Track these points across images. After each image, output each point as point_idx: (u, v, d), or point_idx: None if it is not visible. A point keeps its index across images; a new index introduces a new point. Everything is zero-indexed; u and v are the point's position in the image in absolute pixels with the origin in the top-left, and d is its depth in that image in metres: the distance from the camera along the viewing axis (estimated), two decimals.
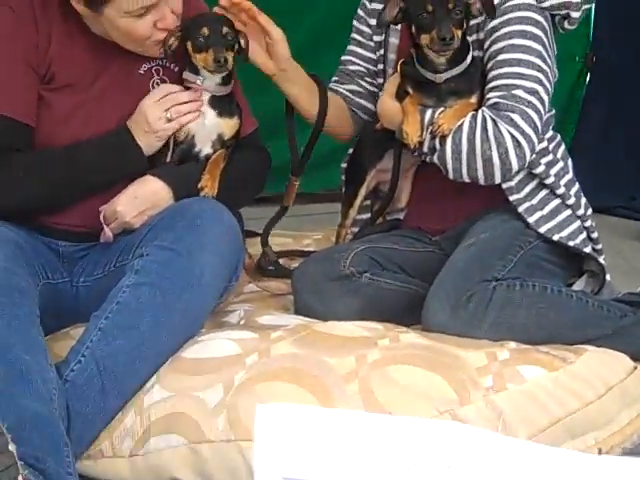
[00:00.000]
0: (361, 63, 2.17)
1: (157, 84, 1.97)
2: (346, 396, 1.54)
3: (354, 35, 2.18)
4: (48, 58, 1.86)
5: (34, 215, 1.91)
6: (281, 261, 2.36)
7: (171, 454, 1.55)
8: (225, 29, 1.89)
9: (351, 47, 2.19)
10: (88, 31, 1.90)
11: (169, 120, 1.90)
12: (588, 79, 4.18)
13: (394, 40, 2.09)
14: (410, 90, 1.96)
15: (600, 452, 1.61)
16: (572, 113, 4.12)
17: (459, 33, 1.85)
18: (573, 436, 1.60)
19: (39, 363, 1.56)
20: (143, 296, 1.70)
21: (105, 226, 1.90)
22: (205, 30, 1.87)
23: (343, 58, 2.20)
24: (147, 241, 1.79)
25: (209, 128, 1.97)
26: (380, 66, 2.13)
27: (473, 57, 1.94)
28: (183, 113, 1.92)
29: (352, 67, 2.17)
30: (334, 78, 2.20)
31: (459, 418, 1.52)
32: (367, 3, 2.15)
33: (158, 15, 1.83)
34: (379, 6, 2.08)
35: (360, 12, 2.17)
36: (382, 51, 2.12)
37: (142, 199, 1.89)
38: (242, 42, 1.93)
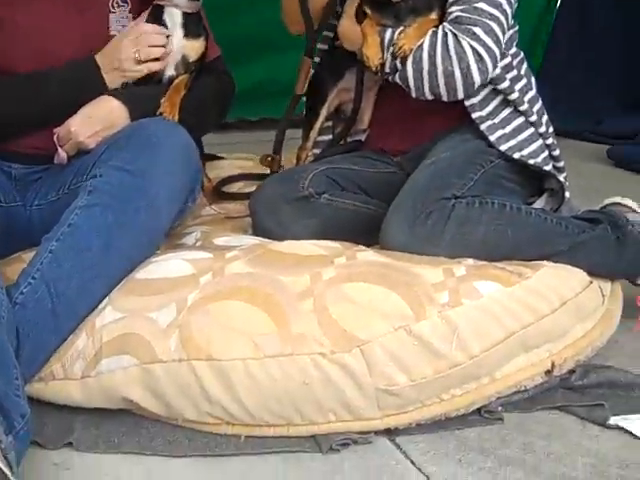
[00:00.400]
0: None
1: (117, 4, 1.91)
2: (300, 314, 1.53)
3: None
4: None
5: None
6: (241, 184, 2.34)
7: (123, 375, 1.53)
8: None
9: None
10: None
11: (139, 62, 1.86)
12: (559, 4, 4.12)
13: None
14: (368, 11, 1.91)
15: (553, 365, 1.61)
16: (541, 38, 4.07)
17: None
18: (527, 349, 1.60)
19: None
20: (95, 217, 1.66)
21: (59, 147, 1.85)
22: None
23: None
24: (101, 162, 1.75)
25: (174, 49, 1.92)
26: None
27: None
28: (153, 56, 1.87)
29: None
30: None
31: (414, 334, 1.51)
32: None
33: None
34: None
35: None
36: None
37: (97, 119, 1.84)
38: None
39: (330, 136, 2.20)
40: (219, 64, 2.06)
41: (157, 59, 1.90)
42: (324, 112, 2.13)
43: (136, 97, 1.89)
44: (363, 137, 2.18)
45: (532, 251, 1.78)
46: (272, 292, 1.56)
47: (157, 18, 1.91)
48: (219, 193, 2.24)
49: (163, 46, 1.90)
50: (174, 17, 1.92)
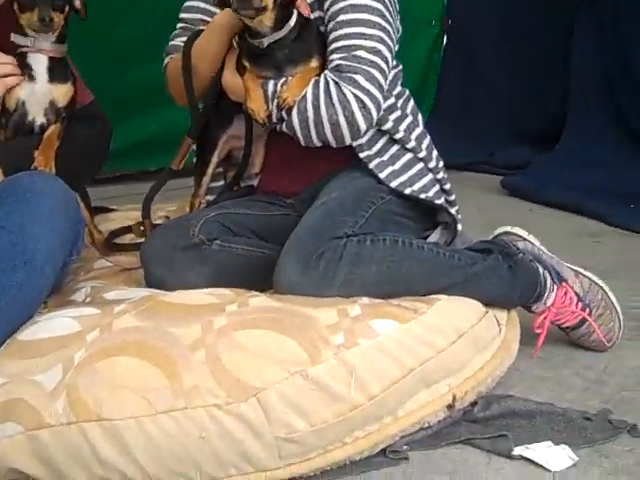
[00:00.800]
0: (209, 20, 2.06)
1: None
2: (192, 366, 1.47)
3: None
4: None
5: None
6: (132, 236, 2.27)
7: (8, 444, 1.43)
8: None
9: (195, 3, 2.09)
10: None
11: None
12: (445, 42, 4.23)
13: None
14: (247, 64, 1.90)
15: (454, 399, 1.60)
16: (431, 76, 4.17)
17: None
18: (427, 384, 1.58)
19: None
20: None
21: None
22: None
23: (188, 16, 2.09)
24: None
25: (40, 94, 1.89)
26: None
27: (305, 20, 1.89)
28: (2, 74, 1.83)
29: (202, 26, 2.04)
30: (181, 38, 2.07)
31: (311, 378, 1.47)
32: None
33: None
34: None
35: None
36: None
37: None
38: (77, 2, 1.90)
39: (222, 182, 2.17)
40: (94, 109, 2.03)
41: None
42: (215, 159, 2.10)
43: (8, 152, 1.84)
44: (255, 182, 2.16)
45: (426, 285, 1.78)
46: (162, 345, 1.50)
47: (21, 64, 1.88)
48: (110, 245, 2.18)
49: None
50: (39, 62, 1.89)
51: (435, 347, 1.60)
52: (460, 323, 1.66)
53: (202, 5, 2.08)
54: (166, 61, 2.10)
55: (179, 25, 2.11)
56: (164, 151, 3.46)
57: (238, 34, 1.93)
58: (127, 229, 2.24)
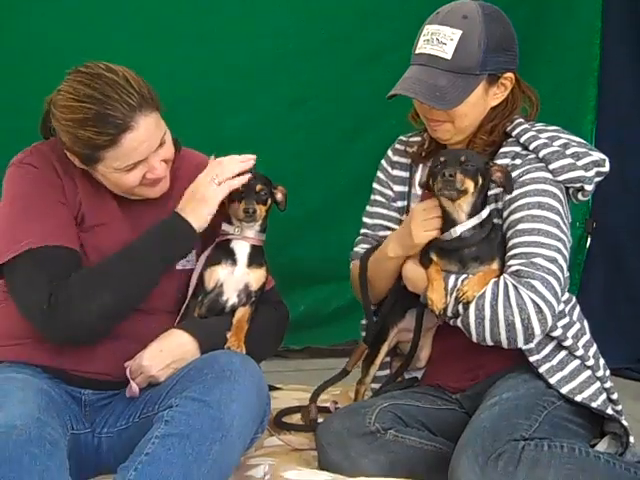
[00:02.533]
0: (388, 224, 2.24)
1: None
2: None
3: (378, 197, 2.27)
4: (77, 201, 1.97)
5: (111, 325, 1.93)
6: (299, 416, 2.37)
7: None
8: (259, 186, 2.02)
9: (376, 209, 2.27)
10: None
11: (219, 184, 1.96)
12: (589, 243, 4.29)
13: (417, 192, 2.19)
14: (434, 257, 2.03)
15: None
16: (574, 277, 4.20)
17: (467, 181, 1.94)
18: None
19: None
20: (173, 447, 1.70)
21: (131, 380, 1.92)
22: (241, 187, 2.00)
23: (369, 221, 2.28)
24: (175, 392, 1.81)
25: (238, 277, 2.05)
26: (404, 217, 2.20)
27: (490, 214, 2.02)
28: (229, 175, 1.98)
29: (381, 232, 2.24)
30: (362, 245, 2.26)
31: None
32: (389, 169, 2.26)
33: (147, 167, 1.94)
34: (402, 173, 2.22)
35: (381, 176, 2.28)
36: (404, 202, 2.22)
37: (168, 352, 1.93)
38: (279, 196, 2.07)
39: (387, 371, 2.27)
40: (274, 294, 2.17)
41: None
42: (384, 349, 2.21)
43: (204, 330, 1.98)
44: (419, 374, 2.24)
45: None
46: None
47: (225, 250, 2.05)
48: (280, 424, 2.27)
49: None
50: (242, 248, 2.06)
51: None
52: None
53: (381, 210, 2.26)
54: (351, 266, 2.27)
55: (362, 230, 2.29)
56: (308, 331, 3.66)
57: None
58: (296, 409, 2.34)
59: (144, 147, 1.90)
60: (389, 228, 2.22)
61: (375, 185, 2.29)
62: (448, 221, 2.01)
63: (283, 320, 2.18)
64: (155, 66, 2.80)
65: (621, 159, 2.15)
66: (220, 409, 1.74)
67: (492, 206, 2.06)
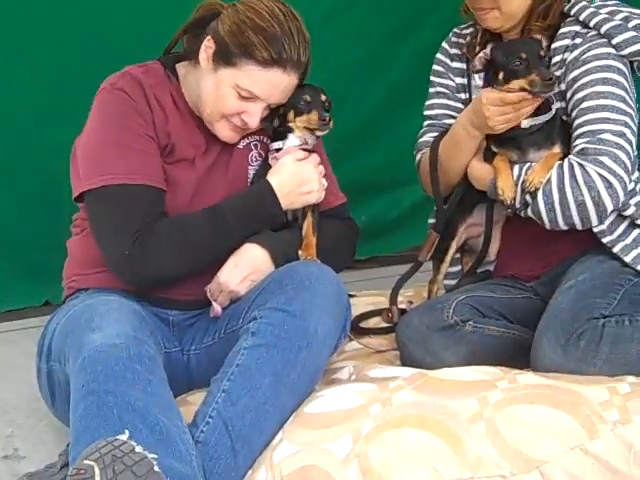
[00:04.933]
0: (452, 114, 2.22)
1: (255, 158, 2.09)
2: (473, 438, 1.57)
3: (439, 89, 2.25)
4: (167, 132, 1.99)
5: (183, 280, 1.98)
6: (376, 319, 2.42)
7: None
8: (323, 97, 2.04)
9: (438, 100, 2.25)
10: (195, 114, 2.03)
11: (324, 189, 2.04)
12: None
13: (478, 82, 2.17)
14: (495, 149, 2.02)
15: None
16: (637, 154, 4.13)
17: (555, 74, 1.92)
18: None
19: (176, 425, 1.62)
20: (262, 357, 1.76)
21: (213, 301, 1.97)
22: (307, 97, 2.01)
23: (432, 113, 2.26)
24: (257, 305, 1.86)
25: None
26: None
27: (556, 109, 2.00)
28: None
29: (446, 120, 2.22)
30: (430, 134, 2.24)
31: (590, 453, 1.53)
32: (448, 61, 2.24)
33: (251, 109, 1.96)
34: (461, 65, 2.20)
35: (440, 68, 2.26)
36: (466, 94, 2.21)
37: (243, 266, 1.97)
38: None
39: (458, 267, 2.29)
40: (343, 211, 2.19)
41: None
42: (454, 246, 2.22)
43: (276, 242, 2.01)
44: (491, 267, 2.26)
45: None
46: (442, 418, 1.61)
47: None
48: (358, 329, 2.32)
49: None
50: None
51: None
52: None
53: (444, 101, 2.25)
54: (418, 157, 2.27)
55: (426, 122, 2.28)
56: (373, 241, 3.68)
57: None
58: (372, 313, 2.38)
59: (273, 92, 1.95)
60: (454, 118, 2.20)
61: (434, 78, 2.27)
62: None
63: (353, 236, 2.20)
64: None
65: None
66: (303, 317, 1.78)
67: (558, 105, 2.02)
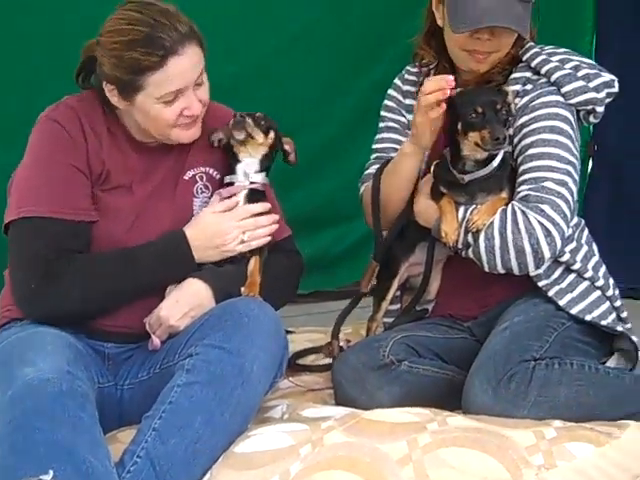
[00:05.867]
0: (393, 145, 2.23)
1: (201, 190, 2.08)
2: None
3: (390, 124, 2.27)
4: (101, 159, 1.98)
5: (86, 319, 1.97)
6: (314, 357, 2.42)
7: None
8: (258, 114, 2.06)
9: (388, 135, 2.27)
10: (133, 139, 2.03)
11: (242, 242, 2.02)
12: (590, 167, 4.30)
13: None
14: (444, 190, 2.05)
15: None
16: (579, 200, 4.22)
17: (507, 133, 1.94)
18: None
19: (104, 465, 1.60)
20: (195, 395, 1.74)
21: (152, 334, 1.96)
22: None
23: (381, 146, 2.27)
24: (195, 341, 1.84)
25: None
26: None
27: (503, 158, 2.01)
28: (259, 238, 2.03)
29: (394, 154, 2.22)
30: (375, 167, 2.24)
31: None
32: (401, 98, 2.26)
33: (186, 103, 1.95)
34: (412, 102, 2.20)
35: (392, 104, 2.28)
36: None
37: (184, 301, 1.96)
38: (287, 147, 2.11)
39: (397, 305, 2.30)
40: (289, 243, 2.20)
41: None
42: (396, 284, 2.23)
43: (219, 278, 2.00)
44: (430, 306, 2.28)
45: (613, 411, 1.84)
46: (372, 460, 1.61)
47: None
48: (295, 366, 2.32)
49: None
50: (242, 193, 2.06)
51: (631, 472, 1.64)
52: None
53: (394, 136, 2.26)
54: (362, 189, 2.27)
55: (373, 156, 2.29)
56: (315, 275, 3.69)
57: (437, 162, 2.08)
58: (310, 351, 2.38)
59: (187, 75, 1.92)
60: None
61: (385, 113, 2.29)
62: (460, 157, 2.00)
63: (297, 270, 2.20)
64: None
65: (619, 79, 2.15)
66: (240, 355, 1.78)
67: (505, 148, 2.03)
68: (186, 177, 2.07)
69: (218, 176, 2.09)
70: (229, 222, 2.01)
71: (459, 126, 1.98)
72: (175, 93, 1.92)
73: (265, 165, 2.09)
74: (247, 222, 2.03)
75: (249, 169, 2.07)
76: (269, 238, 2.05)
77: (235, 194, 2.04)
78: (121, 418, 1.98)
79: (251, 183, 2.06)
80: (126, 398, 2.00)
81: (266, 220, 2.05)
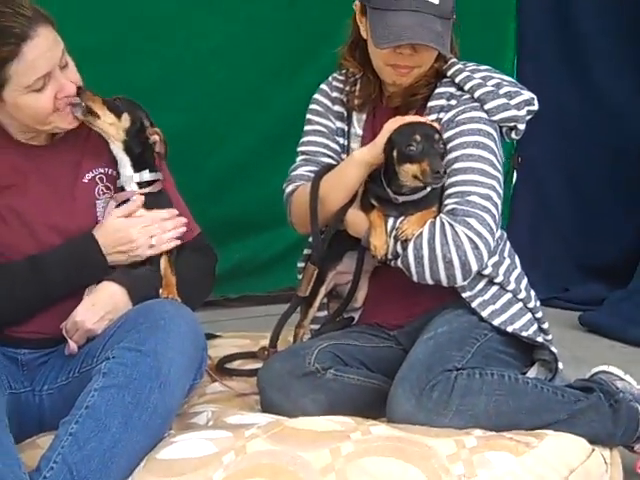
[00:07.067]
0: (330, 154, 2.23)
1: (102, 191, 2.05)
2: None
3: (318, 127, 2.25)
4: None
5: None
6: (240, 361, 2.40)
7: None
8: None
9: (316, 138, 2.25)
10: (18, 141, 1.99)
11: (151, 246, 2.00)
12: (515, 179, 4.39)
13: (357, 131, 2.20)
14: (376, 203, 2.06)
15: None
16: (503, 212, 4.29)
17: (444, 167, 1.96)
18: None
19: (14, 472, 1.56)
20: (112, 398, 1.71)
21: (69, 339, 1.92)
22: None
23: (309, 149, 2.25)
24: (112, 344, 1.81)
25: None
26: (344, 156, 2.21)
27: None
28: (167, 242, 2.01)
29: (323, 158, 2.22)
30: (305, 168, 2.23)
31: None
32: (329, 104, 2.25)
33: (57, 86, 1.91)
34: (342, 110, 2.21)
35: (319, 108, 2.26)
36: (345, 140, 2.22)
37: (100, 305, 1.93)
38: (155, 137, 2.05)
39: (324, 312, 2.31)
40: (200, 240, 2.18)
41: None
42: (323, 291, 2.23)
43: (134, 280, 1.99)
44: (356, 314, 2.29)
45: (532, 420, 1.87)
46: (295, 469, 1.61)
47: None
48: (222, 370, 2.30)
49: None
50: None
51: None
52: (570, 459, 1.74)
53: (322, 140, 2.25)
54: (290, 189, 2.24)
55: (300, 157, 2.27)
56: (244, 279, 3.68)
57: (370, 175, 2.07)
58: (240, 355, 2.36)
59: (48, 57, 1.87)
60: (331, 158, 2.22)
61: (312, 117, 2.27)
62: (394, 184, 2.02)
63: (212, 265, 2.18)
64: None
65: (540, 96, 2.20)
66: (157, 357, 1.75)
67: None
68: (85, 180, 2.03)
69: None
70: (135, 228, 1.99)
71: (394, 154, 1.99)
72: (43, 79, 1.88)
73: (138, 158, 2.04)
74: (154, 227, 2.01)
75: (126, 171, 2.03)
76: (178, 241, 2.04)
77: (129, 199, 2.02)
78: (42, 424, 1.94)
79: (139, 184, 2.03)
80: (46, 403, 1.96)
81: (172, 224, 2.03)
